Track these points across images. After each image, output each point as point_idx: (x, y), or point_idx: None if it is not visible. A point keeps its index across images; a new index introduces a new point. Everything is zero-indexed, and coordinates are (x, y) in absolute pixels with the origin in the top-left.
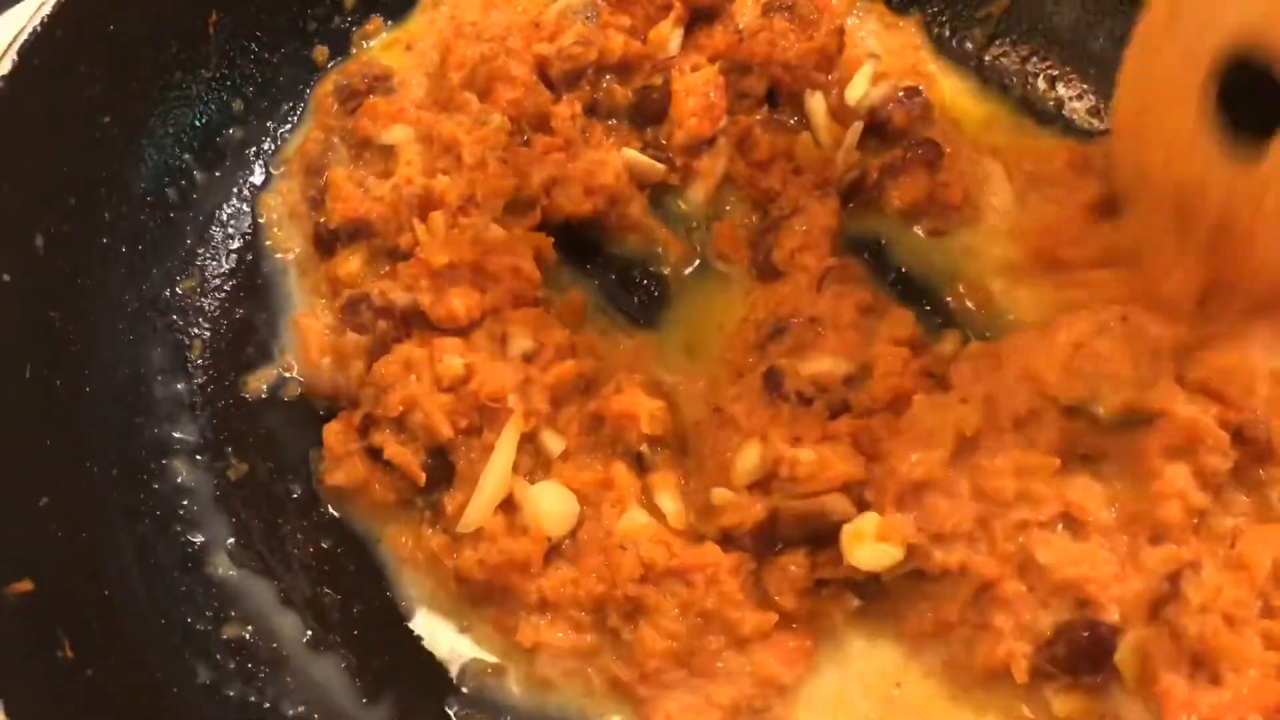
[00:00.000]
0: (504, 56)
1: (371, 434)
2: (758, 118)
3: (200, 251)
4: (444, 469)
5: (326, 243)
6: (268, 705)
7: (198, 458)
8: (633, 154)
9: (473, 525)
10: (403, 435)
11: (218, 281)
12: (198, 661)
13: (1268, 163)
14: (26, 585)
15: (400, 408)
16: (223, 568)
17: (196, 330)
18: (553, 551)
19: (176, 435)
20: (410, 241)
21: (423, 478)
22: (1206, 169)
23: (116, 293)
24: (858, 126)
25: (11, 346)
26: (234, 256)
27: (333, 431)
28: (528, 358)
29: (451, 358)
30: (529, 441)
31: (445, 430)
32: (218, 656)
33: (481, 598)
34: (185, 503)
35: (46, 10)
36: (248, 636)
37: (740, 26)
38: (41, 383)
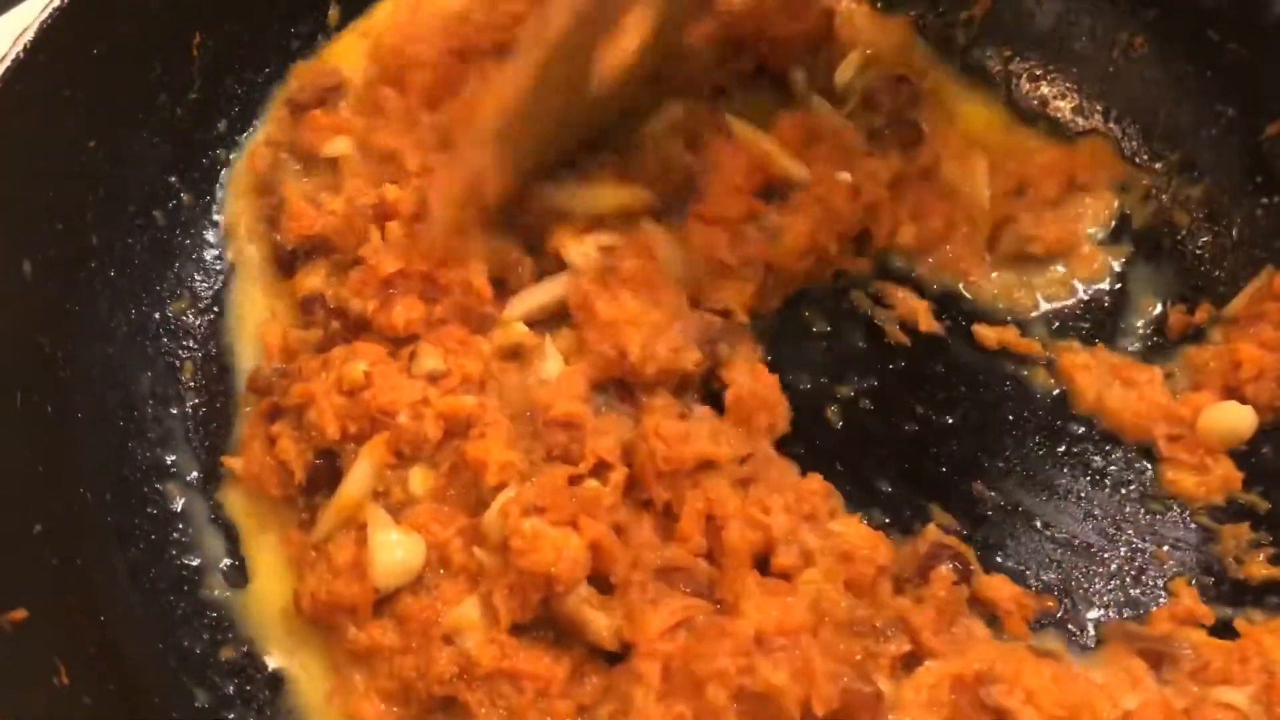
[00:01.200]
0: (413, 43)
1: (274, 422)
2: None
3: (189, 273)
4: (329, 474)
5: (286, 263)
6: None
7: (191, 480)
8: None
9: (318, 535)
10: (300, 431)
11: (207, 303)
12: (195, 685)
13: None
14: (20, 613)
15: (299, 400)
16: (218, 589)
17: (187, 352)
18: (386, 602)
19: (169, 458)
20: (369, 252)
21: (302, 475)
22: None
23: (106, 317)
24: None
25: (1, 373)
26: (223, 277)
27: (249, 417)
28: (433, 379)
29: (356, 363)
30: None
31: (331, 431)
32: (215, 679)
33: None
34: (180, 525)
35: (29, 36)
36: (245, 659)
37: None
38: (32, 409)
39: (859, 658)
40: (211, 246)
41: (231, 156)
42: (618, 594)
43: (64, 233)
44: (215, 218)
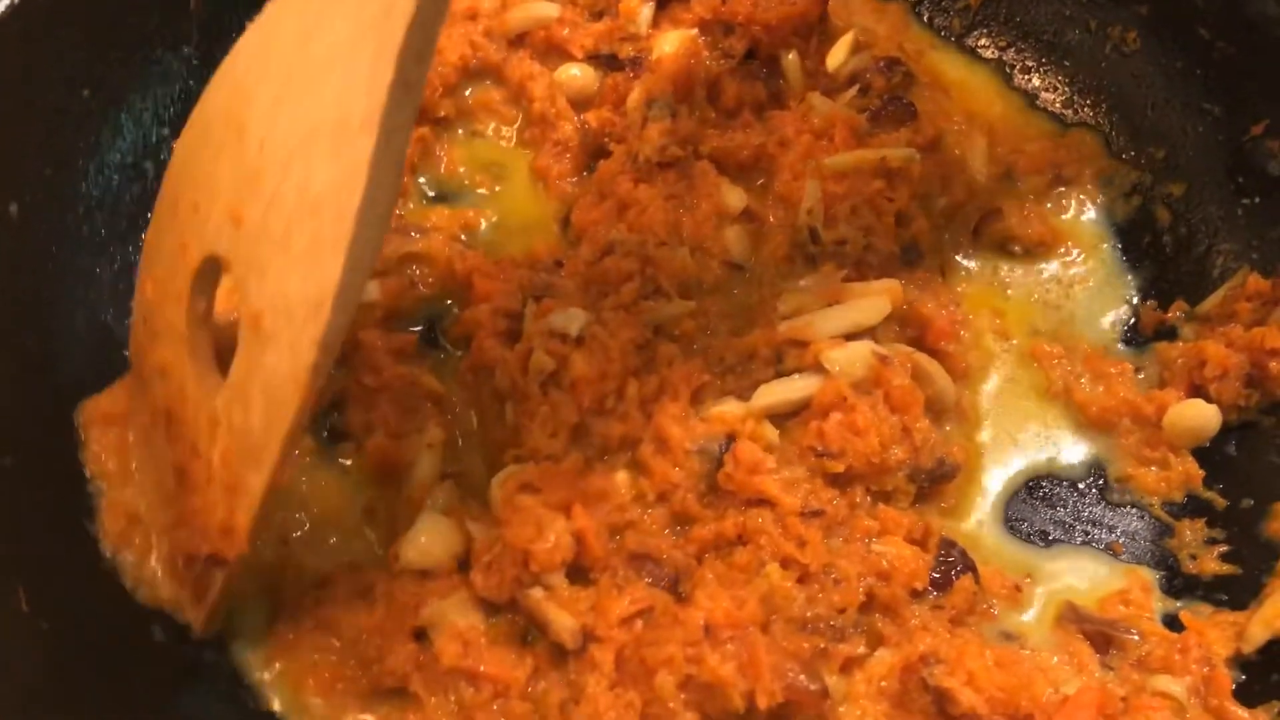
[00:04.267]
0: None
1: None
2: (726, 65)
3: None
4: None
5: None
6: (224, 664)
7: None
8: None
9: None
10: None
11: None
12: (153, 620)
13: (221, 396)
14: None
15: None
16: None
17: None
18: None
19: None
20: None
21: None
22: (185, 381)
23: (91, 263)
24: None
25: None
26: None
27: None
28: None
29: None
30: None
31: None
32: (174, 615)
33: None
34: None
35: None
36: None
37: None
38: (11, 348)
39: (810, 654)
40: None
41: None
42: (593, 582)
43: (53, 177)
44: None
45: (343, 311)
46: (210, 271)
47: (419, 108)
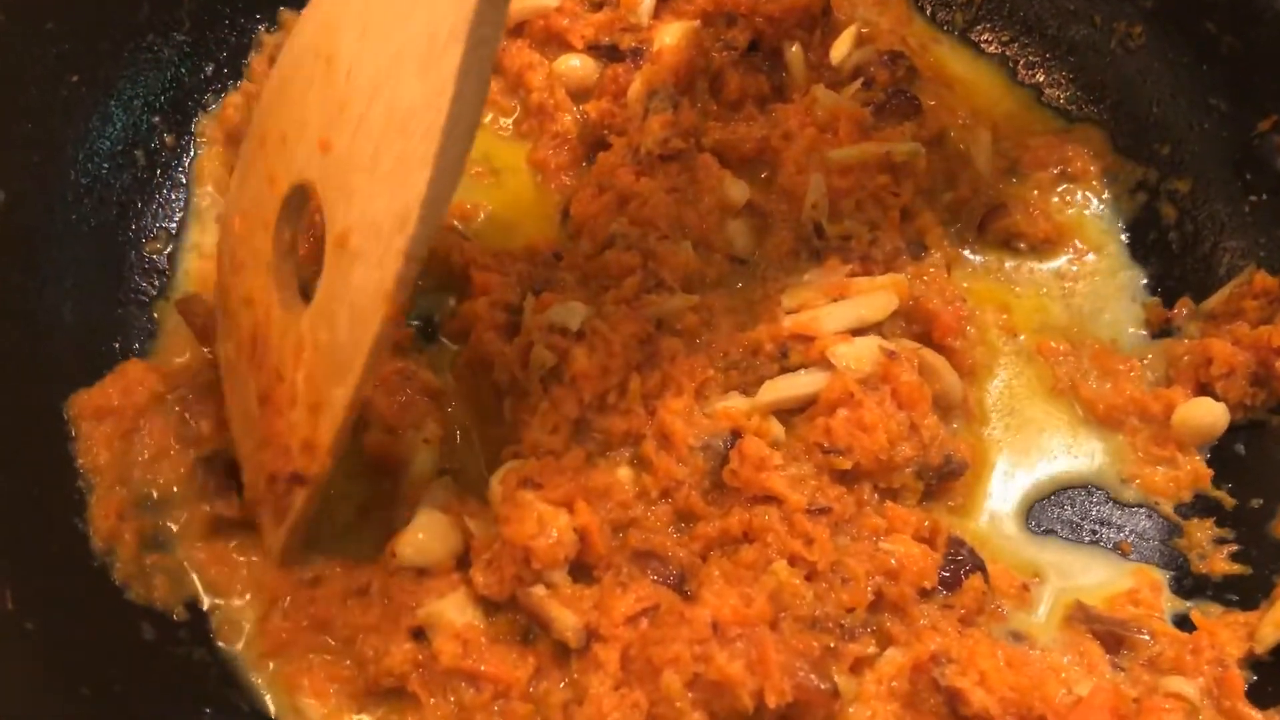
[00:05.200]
0: None
1: None
2: (729, 57)
3: (167, 214)
4: None
5: None
6: (215, 664)
7: None
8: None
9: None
10: None
11: (181, 244)
12: (142, 618)
13: (306, 318)
14: None
15: None
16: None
17: (158, 291)
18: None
19: None
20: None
21: None
22: (270, 307)
23: (79, 252)
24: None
25: None
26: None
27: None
28: None
29: None
30: None
31: None
32: (163, 613)
33: None
34: None
35: None
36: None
37: None
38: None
39: (819, 653)
40: (189, 189)
41: (218, 101)
42: (596, 580)
43: (41, 165)
44: None
45: (428, 222)
46: (297, 201)
47: (505, 21)
